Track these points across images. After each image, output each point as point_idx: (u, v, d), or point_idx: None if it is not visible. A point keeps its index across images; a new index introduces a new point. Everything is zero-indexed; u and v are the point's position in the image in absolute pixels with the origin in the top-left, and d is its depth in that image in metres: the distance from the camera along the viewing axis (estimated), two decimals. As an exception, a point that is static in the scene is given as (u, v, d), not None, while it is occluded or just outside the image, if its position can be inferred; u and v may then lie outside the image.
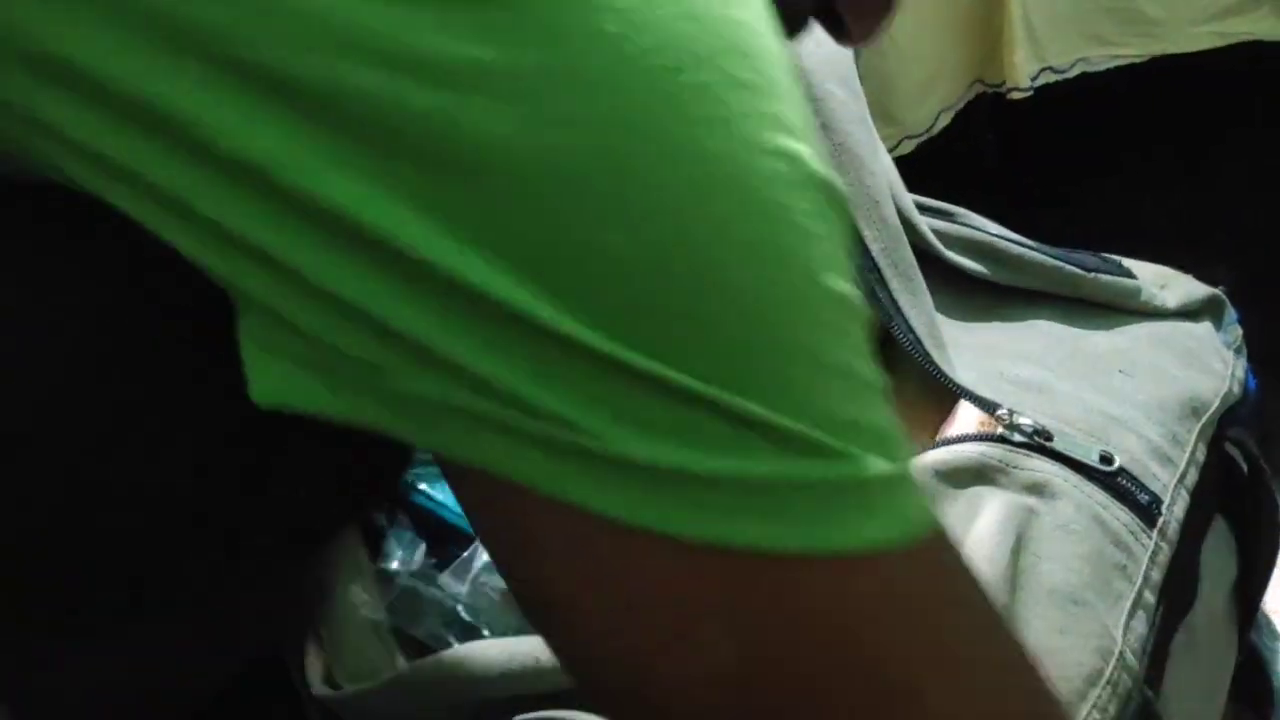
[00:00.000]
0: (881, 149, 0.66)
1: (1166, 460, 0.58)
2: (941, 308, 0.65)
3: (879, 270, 0.60)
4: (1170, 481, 0.58)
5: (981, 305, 0.67)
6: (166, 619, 0.42)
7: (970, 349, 0.62)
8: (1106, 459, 0.55)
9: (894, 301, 0.60)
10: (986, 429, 0.57)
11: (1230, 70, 1.26)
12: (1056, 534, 0.52)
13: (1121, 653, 0.50)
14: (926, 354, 0.59)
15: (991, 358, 0.62)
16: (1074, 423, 0.57)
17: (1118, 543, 0.53)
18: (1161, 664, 0.53)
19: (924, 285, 0.62)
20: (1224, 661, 0.64)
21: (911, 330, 0.59)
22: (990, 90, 1.17)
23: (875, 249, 0.61)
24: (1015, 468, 0.54)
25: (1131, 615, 0.52)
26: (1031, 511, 0.53)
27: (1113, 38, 1.15)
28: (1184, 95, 1.38)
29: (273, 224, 0.29)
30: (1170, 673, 0.54)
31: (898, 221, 0.62)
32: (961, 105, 1.17)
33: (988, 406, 0.57)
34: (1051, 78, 1.14)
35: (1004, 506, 0.52)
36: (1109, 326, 0.66)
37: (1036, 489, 0.54)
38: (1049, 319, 0.66)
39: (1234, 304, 0.76)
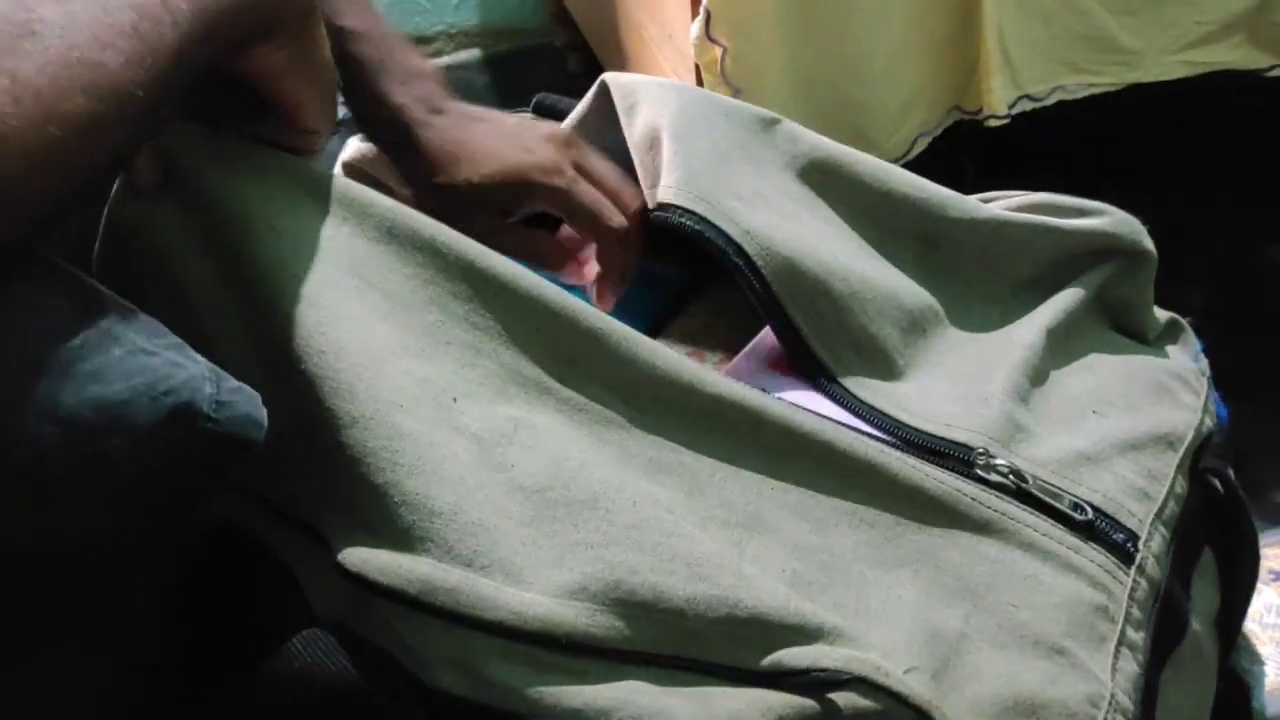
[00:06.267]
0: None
1: (1143, 496, 0.58)
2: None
3: (819, 359, 0.62)
4: (1147, 517, 0.58)
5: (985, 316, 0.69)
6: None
7: (962, 378, 0.62)
8: (1078, 508, 0.56)
9: (837, 382, 0.61)
10: (960, 469, 0.57)
11: (1205, 98, 1.27)
12: (1027, 583, 0.53)
13: (1113, 695, 0.50)
14: (889, 417, 0.59)
15: (979, 384, 0.62)
16: (1047, 464, 0.57)
17: (1095, 584, 0.54)
18: (1153, 700, 0.53)
19: (884, 342, 0.63)
20: (1208, 689, 0.64)
21: (872, 407, 0.60)
22: (968, 117, 1.17)
23: (814, 343, 0.62)
24: (985, 506, 0.55)
25: (1118, 655, 0.52)
26: (995, 561, 0.53)
27: (1088, 66, 1.16)
28: (1159, 123, 1.39)
29: None
30: (1160, 706, 0.54)
31: (845, 288, 0.63)
32: (939, 131, 1.17)
33: (963, 451, 0.57)
34: (1029, 105, 1.15)
35: (968, 555, 0.53)
36: (1082, 365, 0.67)
37: (1003, 535, 0.54)
38: (1032, 342, 0.66)
39: (1206, 329, 0.77)
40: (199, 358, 0.45)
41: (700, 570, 0.48)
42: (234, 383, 0.45)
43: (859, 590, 0.52)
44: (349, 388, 0.48)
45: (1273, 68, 1.20)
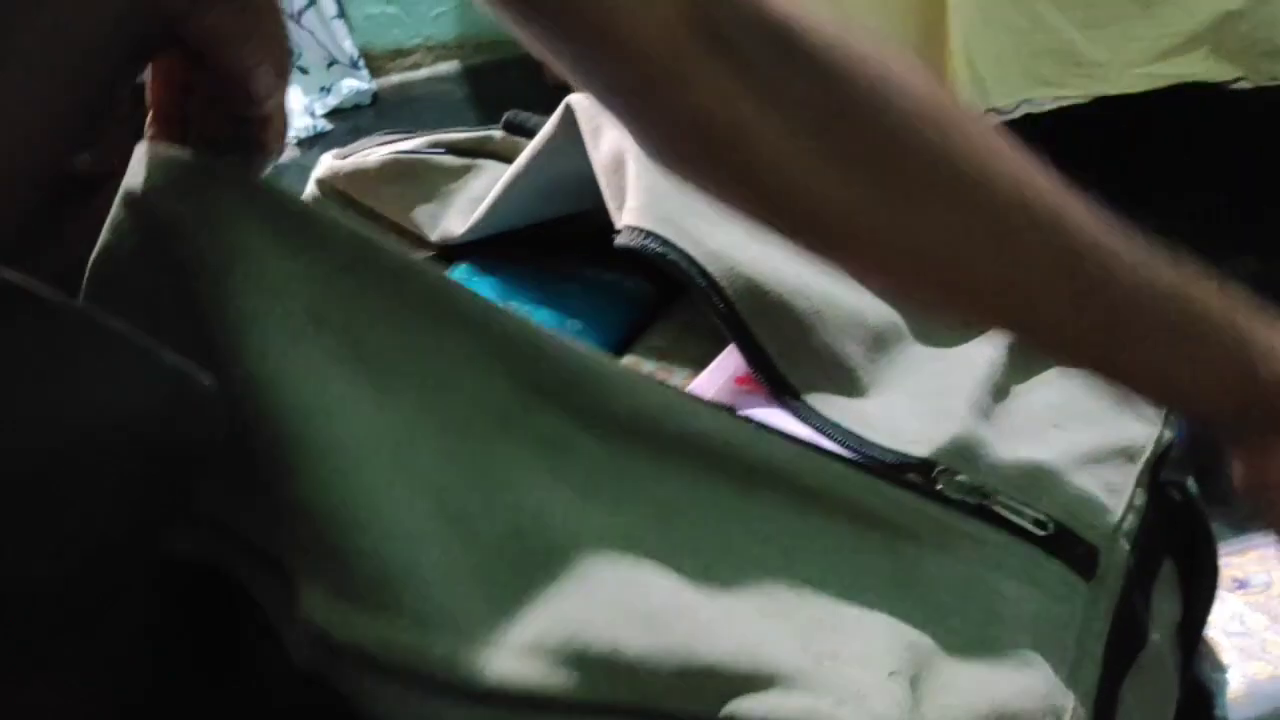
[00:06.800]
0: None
1: (1104, 509, 0.59)
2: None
3: (783, 378, 0.62)
4: (1107, 530, 0.59)
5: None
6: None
7: (925, 394, 0.63)
8: (1040, 524, 0.56)
9: (801, 400, 0.62)
10: (924, 485, 0.57)
11: (1170, 111, 1.29)
12: (992, 599, 0.53)
13: (1074, 708, 0.51)
14: (853, 434, 0.60)
15: (943, 400, 0.63)
16: (1010, 480, 0.58)
17: (1056, 598, 0.54)
18: (1112, 712, 0.54)
19: (847, 359, 0.64)
20: (1169, 697, 0.65)
21: (836, 425, 0.61)
22: (936, 130, 1.18)
23: (780, 362, 0.63)
24: (947, 526, 0.55)
25: (1078, 668, 0.53)
26: (959, 580, 0.54)
27: (1055, 79, 1.17)
28: (1126, 135, 1.41)
29: None
30: (1121, 717, 0.55)
31: (808, 306, 0.64)
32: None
33: (926, 467, 0.58)
34: (995, 118, 1.16)
35: (932, 576, 0.54)
36: (1043, 378, 0.68)
37: (966, 553, 0.55)
38: (993, 357, 0.67)
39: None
40: (159, 358, 0.43)
41: (655, 621, 0.48)
42: (193, 385, 0.44)
43: (832, 609, 0.52)
44: (302, 445, 0.48)
45: (1238, 80, 1.22)
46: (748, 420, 0.58)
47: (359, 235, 0.53)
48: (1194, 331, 0.53)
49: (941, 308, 0.59)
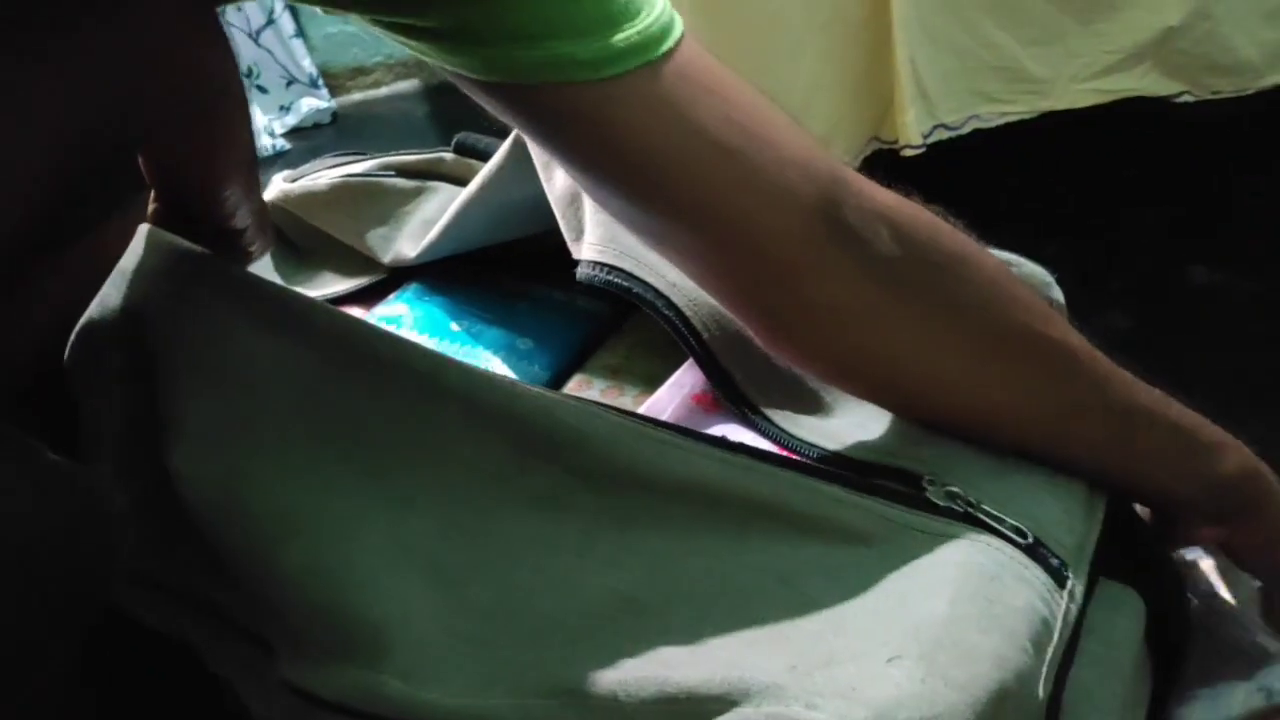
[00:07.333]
0: None
1: (1070, 530, 0.60)
2: None
3: (752, 403, 0.63)
4: (1073, 546, 0.59)
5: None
6: None
7: (887, 415, 0.64)
8: (1019, 532, 0.57)
9: (773, 423, 0.63)
10: (910, 491, 0.58)
11: (1117, 124, 1.31)
12: (993, 584, 0.54)
13: (1041, 708, 0.52)
14: (828, 450, 0.61)
15: (908, 421, 0.63)
16: (986, 493, 0.59)
17: (1041, 599, 0.55)
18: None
19: (812, 381, 0.65)
20: (1139, 703, 0.66)
21: (805, 441, 0.61)
22: (886, 147, 1.20)
23: (748, 388, 0.64)
24: (936, 532, 0.56)
25: (1047, 675, 0.53)
26: (958, 564, 0.55)
27: (1001, 95, 1.19)
28: (1078, 150, 1.43)
29: None
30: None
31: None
32: (858, 162, 1.20)
33: (911, 479, 0.58)
34: (944, 135, 1.18)
35: (930, 567, 0.55)
36: None
37: (962, 547, 0.55)
38: None
39: (1130, 351, 0.79)
40: (66, 477, 0.43)
41: (627, 664, 0.49)
42: (100, 504, 0.43)
43: (833, 619, 0.53)
44: (295, 519, 0.49)
45: (1182, 94, 1.24)
46: (739, 450, 0.58)
47: (348, 322, 0.54)
48: (1172, 440, 0.61)
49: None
